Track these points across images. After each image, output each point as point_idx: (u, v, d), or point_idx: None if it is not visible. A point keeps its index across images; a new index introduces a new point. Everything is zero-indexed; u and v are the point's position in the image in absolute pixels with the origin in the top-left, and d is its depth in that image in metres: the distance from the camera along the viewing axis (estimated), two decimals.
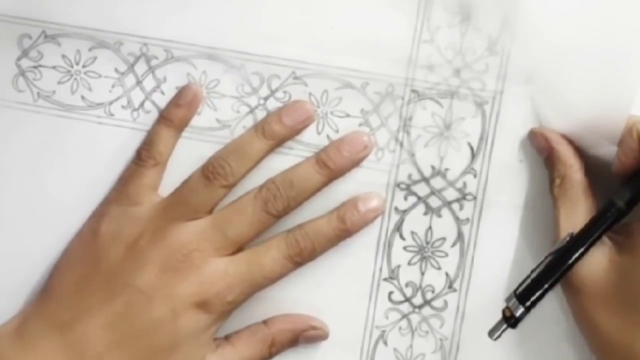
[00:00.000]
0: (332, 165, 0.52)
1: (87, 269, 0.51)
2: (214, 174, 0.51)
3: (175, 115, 0.53)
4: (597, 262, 0.48)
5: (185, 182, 0.52)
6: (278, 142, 0.52)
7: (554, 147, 0.50)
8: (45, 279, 0.52)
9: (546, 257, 0.49)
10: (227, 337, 0.52)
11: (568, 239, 0.48)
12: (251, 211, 0.51)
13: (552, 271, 0.48)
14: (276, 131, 0.52)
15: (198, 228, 0.50)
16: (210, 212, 0.52)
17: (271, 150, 0.52)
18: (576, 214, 0.49)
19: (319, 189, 0.52)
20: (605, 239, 0.48)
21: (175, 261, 0.50)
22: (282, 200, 0.51)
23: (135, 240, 0.50)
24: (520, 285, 0.49)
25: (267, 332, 0.52)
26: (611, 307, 0.47)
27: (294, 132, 0.52)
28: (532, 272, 0.49)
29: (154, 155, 0.52)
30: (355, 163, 0.52)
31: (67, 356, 0.49)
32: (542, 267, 0.48)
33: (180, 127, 0.53)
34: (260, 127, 0.52)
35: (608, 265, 0.48)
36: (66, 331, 0.49)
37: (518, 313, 0.48)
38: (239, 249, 0.51)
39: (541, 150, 0.51)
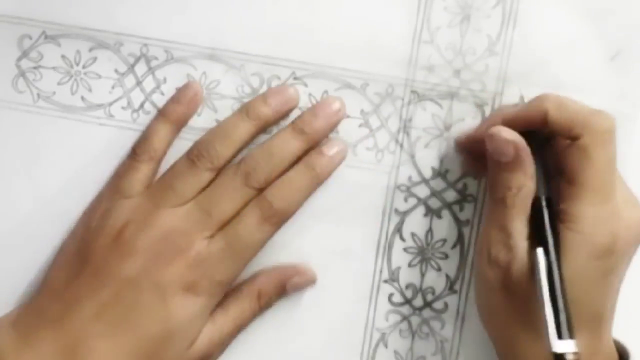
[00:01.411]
0: (309, 130, 0.51)
1: (76, 262, 0.51)
2: (199, 157, 0.51)
3: (174, 112, 0.53)
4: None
5: (171, 168, 0.52)
6: (263, 124, 0.52)
7: (521, 155, 0.48)
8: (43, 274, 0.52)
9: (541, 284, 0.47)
10: (218, 304, 0.52)
11: (544, 254, 0.47)
12: (232, 187, 0.50)
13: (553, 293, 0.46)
14: (261, 111, 0.52)
15: (183, 212, 0.50)
16: (196, 194, 0.51)
17: (256, 132, 0.52)
18: (526, 222, 0.48)
19: (297, 155, 0.51)
20: None
21: (161, 247, 0.49)
22: (262, 171, 0.51)
23: (121, 229, 0.50)
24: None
25: (252, 286, 0.52)
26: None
27: (279, 114, 0.52)
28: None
29: (149, 150, 0.52)
30: (331, 126, 0.52)
31: (59, 349, 0.49)
32: (547, 298, 0.46)
33: (178, 124, 0.53)
34: (244, 109, 0.52)
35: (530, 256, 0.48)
36: (57, 325, 0.49)
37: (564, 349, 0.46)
38: (221, 227, 0.51)
39: (504, 156, 0.48)
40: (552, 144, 0.49)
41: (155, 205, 0.50)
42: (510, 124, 0.48)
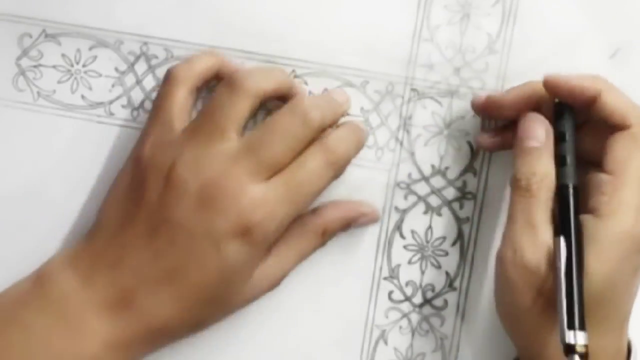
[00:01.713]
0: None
1: (130, 203, 0.49)
2: (238, 83, 0.49)
3: (219, 52, 0.52)
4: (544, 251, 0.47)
5: (211, 99, 0.50)
6: (293, 77, 0.52)
7: (549, 143, 0.48)
8: (96, 213, 0.51)
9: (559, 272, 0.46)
10: (280, 237, 0.51)
11: (564, 243, 0.46)
12: (288, 125, 0.49)
13: (570, 279, 0.45)
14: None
15: (231, 153, 0.48)
16: (240, 130, 0.49)
17: (288, 82, 0.51)
18: (550, 218, 0.47)
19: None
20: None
21: (211, 192, 0.48)
22: (323, 110, 0.50)
23: (171, 169, 0.48)
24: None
25: (319, 221, 0.52)
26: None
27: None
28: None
29: (186, 73, 0.51)
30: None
31: (118, 293, 0.48)
32: (563, 287, 0.45)
33: (220, 62, 0.52)
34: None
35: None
36: (115, 269, 0.48)
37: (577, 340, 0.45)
38: (275, 172, 0.49)
39: (535, 140, 0.48)
40: (583, 135, 0.49)
41: (200, 142, 0.48)
42: (554, 90, 0.48)
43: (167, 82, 0.51)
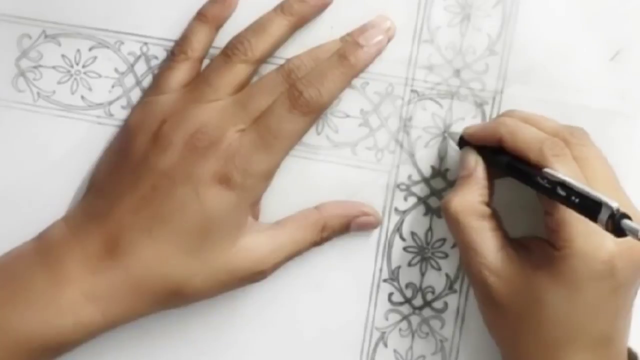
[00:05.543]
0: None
1: (119, 159, 0.51)
2: (233, 50, 0.51)
3: (210, 11, 0.52)
4: (512, 270, 0.48)
5: (208, 65, 0.52)
6: (297, 20, 0.52)
7: (475, 174, 0.50)
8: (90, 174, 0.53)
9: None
10: (277, 222, 0.52)
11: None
12: (272, 83, 0.50)
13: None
14: (295, 8, 0.51)
15: (219, 106, 0.50)
16: (233, 93, 0.51)
17: (291, 28, 0.52)
18: (489, 235, 0.49)
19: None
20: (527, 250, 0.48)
21: (195, 140, 0.49)
22: (306, 69, 0.51)
23: (160, 125, 0.50)
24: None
25: (319, 216, 0.52)
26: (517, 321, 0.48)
27: (315, 9, 0.52)
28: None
29: (186, 49, 0.52)
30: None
31: (103, 242, 0.49)
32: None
33: (214, 23, 0.52)
34: (280, 6, 0.52)
35: (523, 277, 0.47)
36: (102, 219, 0.50)
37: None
38: None
39: (464, 169, 0.50)
40: None
41: (192, 101, 0.50)
42: (473, 140, 0.50)
43: (170, 60, 0.52)
